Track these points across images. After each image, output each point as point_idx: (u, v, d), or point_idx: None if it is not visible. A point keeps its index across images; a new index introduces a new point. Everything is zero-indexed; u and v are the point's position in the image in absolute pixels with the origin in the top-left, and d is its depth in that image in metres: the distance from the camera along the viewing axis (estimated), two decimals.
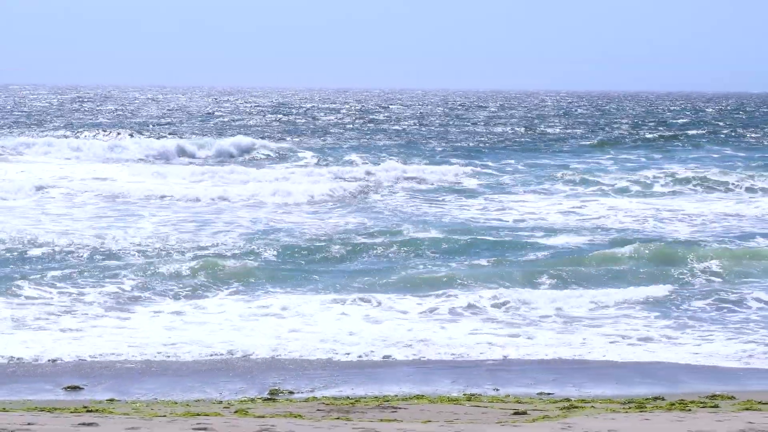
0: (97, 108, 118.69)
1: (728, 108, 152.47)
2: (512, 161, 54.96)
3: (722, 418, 12.80)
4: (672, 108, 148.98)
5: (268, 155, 56.86)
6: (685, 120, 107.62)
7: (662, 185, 45.24)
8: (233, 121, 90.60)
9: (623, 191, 43.47)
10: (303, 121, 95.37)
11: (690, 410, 13.65)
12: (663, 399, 14.76)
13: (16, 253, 26.22)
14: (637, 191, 43.82)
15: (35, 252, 26.38)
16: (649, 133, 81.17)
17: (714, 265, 25.56)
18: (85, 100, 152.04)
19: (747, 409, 13.78)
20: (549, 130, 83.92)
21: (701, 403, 14.32)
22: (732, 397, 14.90)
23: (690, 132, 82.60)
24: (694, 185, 45.16)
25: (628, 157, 59.00)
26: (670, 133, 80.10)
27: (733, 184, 45.29)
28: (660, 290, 22.87)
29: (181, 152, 54.95)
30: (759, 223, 34.12)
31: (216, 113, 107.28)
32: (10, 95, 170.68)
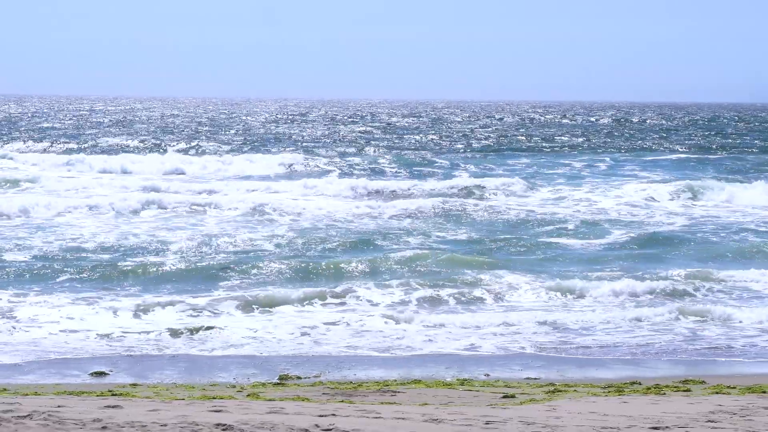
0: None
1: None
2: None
3: (694, 401, 12.82)
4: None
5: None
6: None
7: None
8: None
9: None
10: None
11: (664, 394, 13.67)
12: (640, 383, 14.78)
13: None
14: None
15: None
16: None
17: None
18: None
19: (716, 392, 13.80)
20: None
21: (675, 387, 14.35)
22: (703, 382, 14.92)
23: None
24: None
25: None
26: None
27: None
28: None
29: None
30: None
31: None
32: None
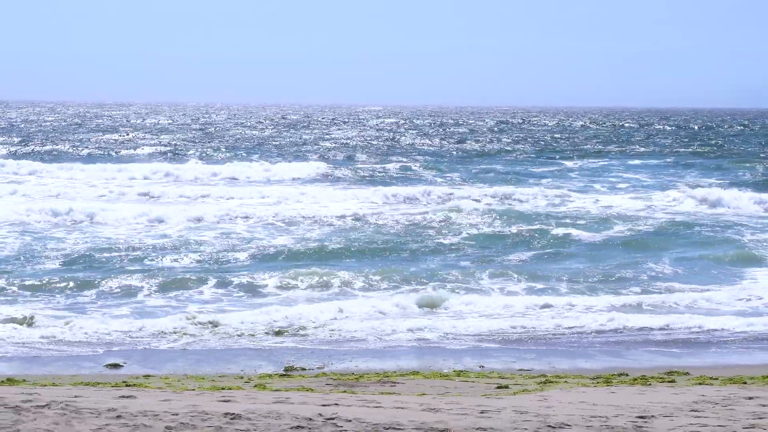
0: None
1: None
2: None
3: (678, 391, 12.81)
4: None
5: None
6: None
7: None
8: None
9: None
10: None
11: (650, 385, 13.65)
12: (627, 375, 14.76)
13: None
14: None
15: None
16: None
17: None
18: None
19: (700, 383, 13.79)
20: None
21: (660, 378, 14.33)
22: (687, 373, 14.91)
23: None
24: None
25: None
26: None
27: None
28: None
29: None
30: None
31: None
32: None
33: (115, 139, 78.49)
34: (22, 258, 25.16)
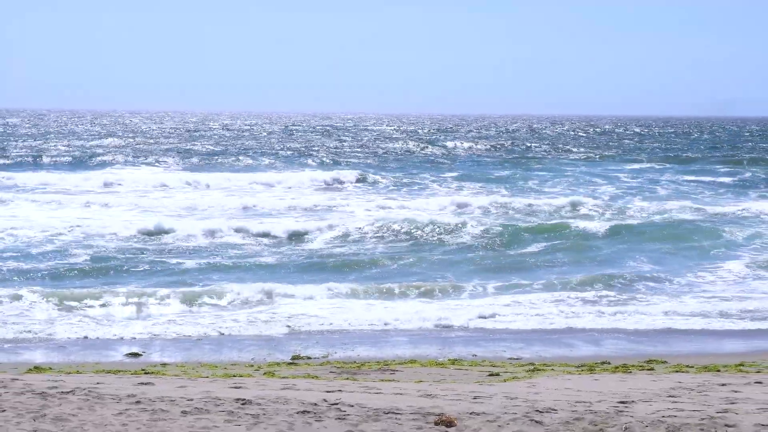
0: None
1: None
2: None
3: (657, 378, 12.84)
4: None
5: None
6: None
7: None
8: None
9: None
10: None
11: (631, 372, 13.69)
12: (609, 363, 14.80)
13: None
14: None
15: None
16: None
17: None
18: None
19: (677, 371, 13.83)
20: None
21: (640, 366, 14.37)
22: (665, 362, 14.94)
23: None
24: None
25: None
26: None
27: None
28: None
29: None
30: None
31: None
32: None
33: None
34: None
